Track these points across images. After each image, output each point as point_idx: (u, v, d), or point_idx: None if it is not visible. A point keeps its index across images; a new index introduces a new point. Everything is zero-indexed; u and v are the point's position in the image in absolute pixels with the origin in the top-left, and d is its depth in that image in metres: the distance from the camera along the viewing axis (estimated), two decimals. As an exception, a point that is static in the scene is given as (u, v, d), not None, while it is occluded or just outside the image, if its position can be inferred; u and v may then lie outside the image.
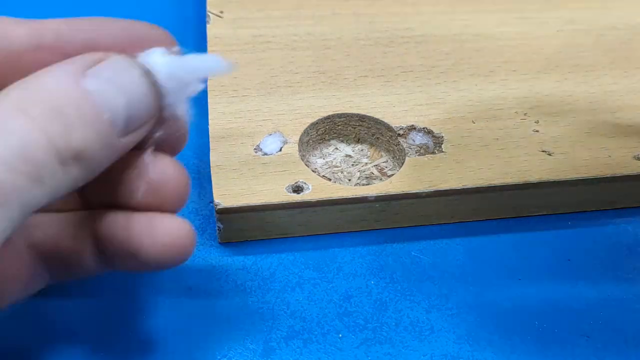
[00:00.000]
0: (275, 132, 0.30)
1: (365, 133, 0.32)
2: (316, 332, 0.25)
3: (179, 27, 0.40)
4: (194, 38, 0.40)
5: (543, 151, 0.30)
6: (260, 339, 0.25)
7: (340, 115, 0.31)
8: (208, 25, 0.36)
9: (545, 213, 0.30)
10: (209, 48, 0.35)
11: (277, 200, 0.27)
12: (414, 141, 0.30)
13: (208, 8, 0.38)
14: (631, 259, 0.29)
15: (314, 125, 0.31)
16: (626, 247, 0.29)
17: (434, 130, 0.30)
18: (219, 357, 0.24)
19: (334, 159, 0.31)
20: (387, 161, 0.31)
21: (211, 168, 0.28)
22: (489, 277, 0.28)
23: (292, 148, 0.29)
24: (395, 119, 0.31)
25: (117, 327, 0.25)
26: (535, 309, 0.26)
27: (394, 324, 0.26)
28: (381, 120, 0.31)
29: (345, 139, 0.32)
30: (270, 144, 0.29)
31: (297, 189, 0.28)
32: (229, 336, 0.25)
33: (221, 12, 0.37)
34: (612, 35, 0.38)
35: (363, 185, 0.30)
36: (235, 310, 0.26)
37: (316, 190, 0.27)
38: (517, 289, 0.27)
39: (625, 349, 0.25)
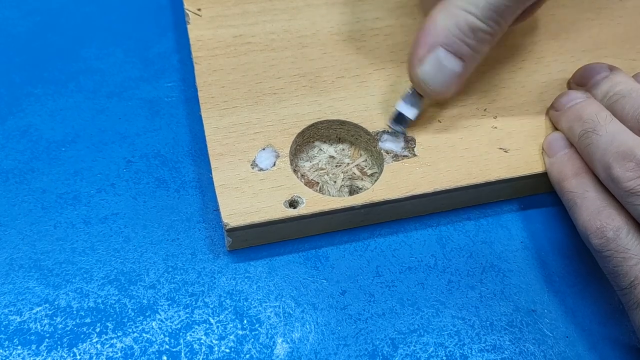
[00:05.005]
0: (267, 146, 0.33)
1: (346, 134, 0.36)
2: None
3: (157, 25, 0.42)
4: (174, 37, 0.41)
5: (500, 149, 0.34)
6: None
7: (322, 122, 0.35)
8: (189, 26, 0.38)
9: (502, 199, 0.35)
10: (193, 53, 0.37)
11: (277, 217, 0.31)
12: (387, 146, 0.34)
13: (185, 5, 0.39)
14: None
15: (300, 134, 0.34)
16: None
17: (406, 134, 0.34)
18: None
19: (319, 161, 0.35)
20: (366, 160, 0.36)
21: (216, 188, 0.32)
22: (457, 264, 0.33)
23: (284, 162, 0.33)
24: (372, 123, 0.35)
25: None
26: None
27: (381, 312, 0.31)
28: (360, 125, 0.35)
29: (328, 139, 0.36)
30: (265, 160, 0.33)
31: (293, 203, 0.32)
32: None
33: (199, 9, 0.39)
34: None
35: (347, 186, 0.34)
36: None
37: (310, 203, 0.32)
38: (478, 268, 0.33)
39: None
